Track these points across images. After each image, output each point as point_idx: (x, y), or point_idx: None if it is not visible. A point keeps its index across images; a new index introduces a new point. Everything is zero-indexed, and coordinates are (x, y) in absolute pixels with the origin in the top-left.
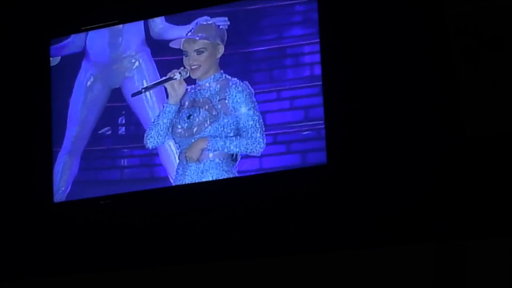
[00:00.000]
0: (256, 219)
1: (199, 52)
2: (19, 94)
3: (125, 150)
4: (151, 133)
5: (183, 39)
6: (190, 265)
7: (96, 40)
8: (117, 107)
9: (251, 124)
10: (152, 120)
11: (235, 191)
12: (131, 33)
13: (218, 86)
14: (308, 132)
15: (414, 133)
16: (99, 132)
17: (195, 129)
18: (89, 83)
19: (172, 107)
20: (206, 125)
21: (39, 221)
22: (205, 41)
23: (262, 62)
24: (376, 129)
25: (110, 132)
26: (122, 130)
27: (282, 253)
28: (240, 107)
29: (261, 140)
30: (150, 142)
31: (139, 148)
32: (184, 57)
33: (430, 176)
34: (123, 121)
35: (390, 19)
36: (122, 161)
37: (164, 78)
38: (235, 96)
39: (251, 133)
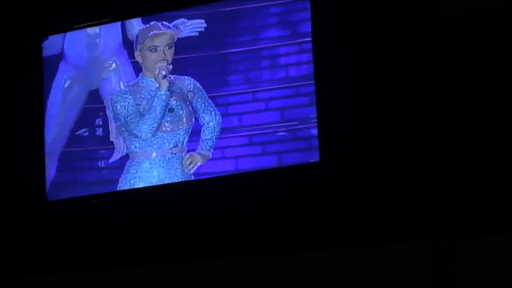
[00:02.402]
0: (248, 217)
1: (169, 46)
2: (11, 92)
3: (103, 151)
4: (148, 122)
5: (154, 33)
6: (182, 263)
7: (74, 42)
8: (94, 108)
9: (206, 105)
10: (140, 110)
11: (227, 189)
12: (109, 35)
13: (177, 81)
14: (284, 133)
15: (407, 131)
16: (77, 133)
17: (180, 123)
18: (67, 85)
19: (167, 93)
20: (190, 118)
21: (32, 219)
22: (172, 32)
23: (238, 64)
24: (369, 127)
25: (87, 133)
26: (99, 131)
27: (276, 251)
28: (199, 98)
29: (216, 110)
30: (147, 131)
31: None
32: (151, 52)
33: (423, 174)
34: (101, 123)
35: (382, 18)
36: (100, 162)
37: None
38: (197, 88)
39: (211, 112)
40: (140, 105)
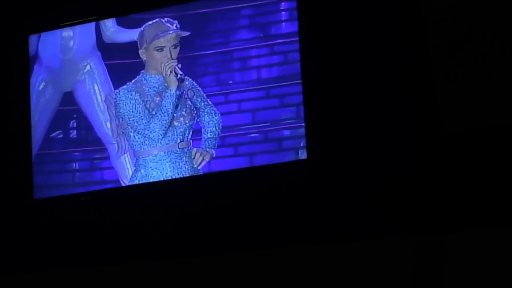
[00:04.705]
0: (236, 214)
1: (175, 46)
2: None
3: (77, 153)
4: (160, 123)
5: (165, 35)
6: (169, 260)
7: (48, 44)
8: (68, 110)
9: (204, 105)
10: (148, 108)
11: (218, 186)
12: (83, 37)
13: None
14: (256, 134)
15: (392, 128)
16: (51, 135)
17: (185, 119)
18: (41, 87)
19: (177, 93)
20: (192, 113)
21: (19, 218)
22: (178, 32)
23: (209, 66)
24: (354, 124)
25: (61, 135)
26: (73, 133)
27: (265, 247)
28: (198, 97)
29: (215, 109)
30: (159, 132)
31: (91, 151)
32: (157, 52)
33: (408, 170)
34: (75, 125)
35: (367, 14)
36: (74, 164)
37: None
38: (195, 87)
39: (210, 112)
40: (146, 102)
